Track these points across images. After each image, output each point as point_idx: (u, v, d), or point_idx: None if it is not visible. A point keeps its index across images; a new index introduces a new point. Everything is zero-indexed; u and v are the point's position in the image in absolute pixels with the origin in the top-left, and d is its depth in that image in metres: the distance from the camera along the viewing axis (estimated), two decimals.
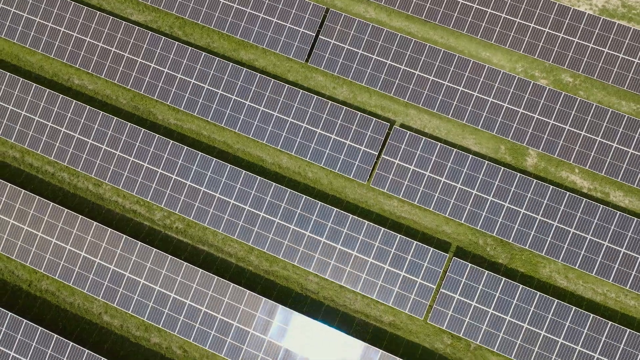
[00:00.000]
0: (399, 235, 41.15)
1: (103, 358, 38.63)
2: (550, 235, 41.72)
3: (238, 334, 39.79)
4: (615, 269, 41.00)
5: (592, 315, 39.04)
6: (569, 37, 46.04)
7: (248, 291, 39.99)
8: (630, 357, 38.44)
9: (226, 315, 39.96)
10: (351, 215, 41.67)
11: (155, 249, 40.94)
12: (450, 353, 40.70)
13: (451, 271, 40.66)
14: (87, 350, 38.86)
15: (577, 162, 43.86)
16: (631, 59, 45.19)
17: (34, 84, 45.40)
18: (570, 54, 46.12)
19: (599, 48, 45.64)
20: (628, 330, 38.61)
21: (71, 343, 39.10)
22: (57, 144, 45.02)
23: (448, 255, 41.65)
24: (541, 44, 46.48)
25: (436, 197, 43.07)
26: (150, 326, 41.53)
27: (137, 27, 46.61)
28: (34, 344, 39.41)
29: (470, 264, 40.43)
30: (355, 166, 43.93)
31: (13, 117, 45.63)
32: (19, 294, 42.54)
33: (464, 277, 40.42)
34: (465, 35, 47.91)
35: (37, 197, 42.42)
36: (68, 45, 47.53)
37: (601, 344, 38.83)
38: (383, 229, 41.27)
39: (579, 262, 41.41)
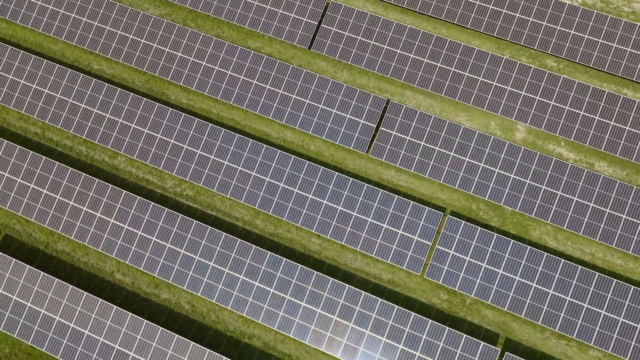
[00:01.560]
0: (397, 196, 43.75)
1: (116, 306, 40.53)
2: (539, 198, 44.28)
3: (244, 287, 41.80)
4: (601, 228, 43.36)
5: (580, 267, 41.21)
6: (551, 25, 49.90)
7: (254, 246, 42.26)
8: (617, 306, 40.35)
9: (233, 270, 42.07)
10: (351, 179, 44.38)
11: (167, 209, 43.44)
12: (447, 308, 42.56)
13: (446, 228, 43.03)
14: (100, 300, 40.81)
15: (563, 135, 46.87)
16: (610, 43, 48.87)
17: (57, 64, 48.95)
18: (554, 40, 49.86)
19: (580, 34, 49.40)
20: (615, 280, 40.69)
21: (85, 293, 41.09)
22: (77, 119, 48.14)
23: (443, 214, 44.08)
24: (526, 31, 50.31)
25: (431, 165, 45.88)
26: (160, 283, 43.54)
27: (153, 16, 50.56)
28: (49, 294, 41.37)
29: (464, 221, 42.86)
30: (355, 138, 46.91)
31: (36, 95, 48.92)
32: (36, 254, 44.72)
33: (458, 234, 42.76)
34: (456, 26, 51.81)
35: (57, 163, 45.23)
36: (89, 33, 51.37)
37: (590, 294, 40.81)
38: (382, 190, 43.89)
39: (567, 223, 43.82)
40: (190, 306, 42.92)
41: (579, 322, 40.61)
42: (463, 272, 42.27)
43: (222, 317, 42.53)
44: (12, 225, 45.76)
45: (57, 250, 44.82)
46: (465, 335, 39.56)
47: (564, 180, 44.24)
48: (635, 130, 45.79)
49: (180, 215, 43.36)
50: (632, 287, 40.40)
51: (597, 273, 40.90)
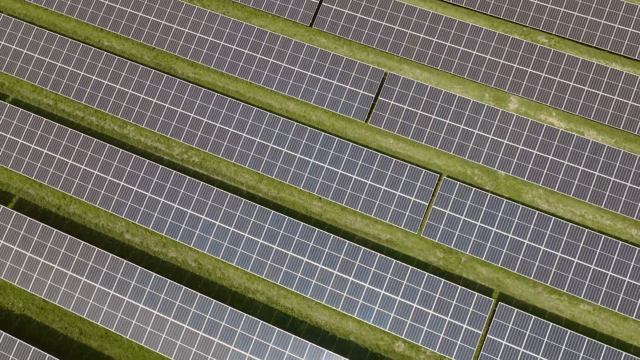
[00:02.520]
0: (395, 159, 45.72)
1: (126, 261, 42.33)
2: (531, 162, 46.24)
3: (248, 244, 43.60)
4: (591, 190, 45.28)
5: (570, 223, 43.08)
6: (542, 4, 52.18)
7: (258, 205, 44.16)
8: (606, 261, 42.12)
9: (238, 228, 43.91)
10: (351, 143, 46.39)
11: (175, 171, 45.38)
12: (443, 265, 44.34)
13: (442, 189, 44.95)
14: (110, 255, 42.62)
15: (554, 105, 48.95)
16: (598, 20, 51.12)
17: (70, 39, 51.18)
18: (545, 18, 52.12)
19: (570, 12, 51.67)
20: (603, 236, 42.54)
21: (97, 249, 42.91)
22: (88, 90, 50.25)
23: (439, 176, 46.01)
24: (518, 9, 52.59)
25: (427, 132, 47.91)
26: (167, 242, 45.35)
27: None
28: (62, 250, 43.18)
29: (459, 183, 44.80)
30: (355, 107, 48.99)
31: (49, 68, 51.08)
32: (48, 216, 46.56)
33: (454, 194, 44.67)
34: (451, 5, 54.10)
35: (70, 129, 47.26)
36: (99, 11, 53.65)
37: (579, 250, 42.62)
38: (380, 154, 45.88)
39: (557, 186, 45.75)
40: (197, 264, 44.69)
41: (570, 276, 42.38)
42: (458, 230, 44.12)
43: (227, 273, 44.29)
44: (25, 189, 47.66)
45: (69, 212, 46.68)
46: (460, 287, 41.33)
47: (554, 145, 46.23)
48: (623, 100, 47.85)
49: (188, 177, 45.31)
50: (620, 242, 42.22)
51: (587, 229, 42.77)
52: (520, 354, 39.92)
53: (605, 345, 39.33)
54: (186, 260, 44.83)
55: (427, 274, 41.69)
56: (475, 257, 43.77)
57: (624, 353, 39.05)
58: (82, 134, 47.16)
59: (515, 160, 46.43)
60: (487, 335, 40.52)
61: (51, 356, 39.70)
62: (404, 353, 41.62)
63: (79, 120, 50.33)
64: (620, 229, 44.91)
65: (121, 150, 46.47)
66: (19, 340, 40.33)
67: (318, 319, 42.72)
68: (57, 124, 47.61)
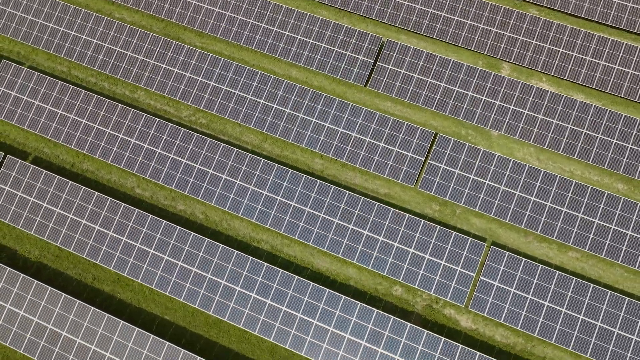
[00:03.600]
0: (392, 118, 48.12)
1: (138, 209, 44.59)
2: (522, 122, 48.63)
3: (253, 196, 45.87)
4: (579, 147, 47.64)
5: (559, 175, 45.39)
6: None
7: (263, 159, 46.51)
8: (593, 210, 44.36)
9: (244, 181, 46.21)
10: (351, 104, 48.82)
11: (183, 129, 47.79)
12: (439, 217, 46.57)
13: (437, 145, 47.29)
14: (122, 204, 44.91)
15: (543, 70, 51.42)
16: None
17: (83, 9, 53.81)
18: None
19: None
20: (590, 187, 44.82)
21: (110, 199, 45.20)
22: (100, 57, 52.78)
23: (434, 133, 48.38)
24: None
25: (423, 94, 50.36)
26: (176, 196, 47.62)
27: None
28: (77, 200, 45.47)
29: (454, 139, 47.17)
30: (354, 72, 51.47)
31: (63, 36, 53.65)
32: (62, 173, 48.88)
33: (449, 150, 47.01)
34: None
35: (84, 90, 49.73)
36: None
37: (568, 200, 44.86)
38: (379, 113, 48.30)
39: (547, 143, 48.10)
40: (204, 216, 46.94)
41: (559, 224, 44.60)
42: (453, 183, 46.40)
43: (233, 224, 46.52)
44: (41, 148, 50.03)
45: (83, 169, 49.01)
46: (454, 232, 43.57)
47: (544, 105, 48.65)
48: (609, 64, 50.31)
49: (196, 134, 47.70)
50: (607, 192, 44.49)
51: (575, 181, 45.06)
52: (511, 295, 42.06)
53: (592, 285, 41.49)
54: (194, 213, 47.08)
55: (423, 220, 43.96)
56: (469, 208, 46.02)
57: (609, 292, 41.19)
58: (96, 95, 49.62)
59: (507, 120, 48.81)
60: (480, 277, 42.69)
61: (66, 295, 41.85)
62: (402, 297, 43.75)
63: (92, 86, 52.79)
64: (607, 184, 47.17)
65: (132, 109, 48.92)
66: (36, 281, 42.50)
67: (320, 266, 44.89)
68: (72, 86, 50.08)
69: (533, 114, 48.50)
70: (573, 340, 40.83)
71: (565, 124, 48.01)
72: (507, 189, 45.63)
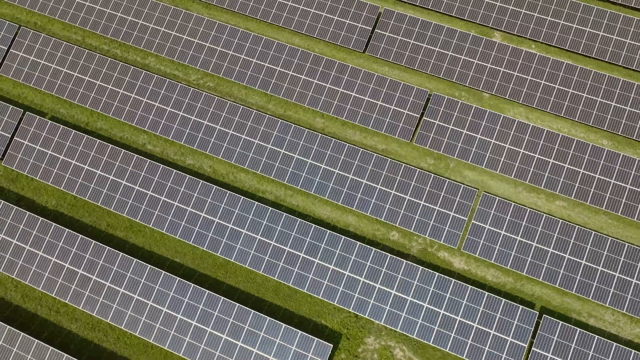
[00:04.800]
0: (390, 78, 51.03)
1: (150, 160, 47.32)
2: (512, 83, 51.52)
3: (258, 149, 48.64)
4: (565, 106, 50.48)
5: (546, 129, 48.17)
6: None
7: (267, 115, 49.33)
8: (579, 160, 47.08)
9: (249, 136, 48.99)
10: (350, 65, 51.76)
11: (192, 88, 50.68)
12: (433, 170, 49.28)
13: (432, 103, 50.15)
14: (135, 155, 47.67)
15: (533, 37, 54.41)
16: None
17: None
18: None
19: None
20: (576, 139, 47.60)
21: (123, 150, 47.96)
22: (113, 25, 55.81)
23: (428, 91, 51.20)
24: None
25: (419, 59, 53.30)
26: (185, 152, 50.36)
27: None
28: (92, 152, 48.23)
29: (447, 96, 50.04)
30: (354, 39, 54.45)
31: (78, 7, 56.72)
32: (77, 131, 51.66)
33: (442, 107, 49.86)
34: None
35: (98, 54, 52.71)
36: None
37: (554, 152, 47.62)
38: (376, 74, 51.22)
39: (536, 102, 50.96)
40: (212, 169, 49.67)
41: (546, 174, 47.32)
42: (446, 138, 49.19)
43: (239, 177, 49.24)
44: (57, 109, 52.87)
45: (97, 127, 51.84)
46: (448, 180, 46.29)
47: (532, 67, 51.57)
48: (594, 31, 53.30)
49: (205, 93, 50.59)
50: (591, 144, 47.27)
51: (561, 134, 47.86)
52: (501, 237, 44.67)
53: (577, 226, 44.13)
54: (202, 167, 49.82)
55: (418, 169, 46.70)
56: (462, 161, 48.76)
57: (594, 232, 43.84)
58: (110, 58, 52.58)
59: (497, 82, 51.69)
60: (472, 222, 45.32)
61: (83, 236, 44.48)
62: (398, 241, 46.35)
63: (105, 53, 55.76)
64: (593, 140, 49.94)
65: (144, 71, 51.84)
66: (54, 224, 45.14)
67: (321, 214, 47.54)
68: (87, 50, 53.06)
69: (522, 76, 51.36)
70: (559, 277, 43.37)
71: (553, 84, 50.85)
72: (498, 142, 48.38)
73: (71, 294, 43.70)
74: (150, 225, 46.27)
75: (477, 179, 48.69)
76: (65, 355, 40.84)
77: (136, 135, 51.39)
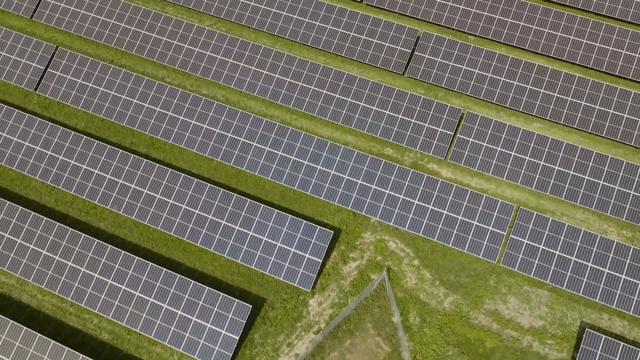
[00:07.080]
0: (385, 19, 56.92)
1: (170, 85, 52.94)
2: (507, 27, 57.40)
3: (266, 78, 54.28)
4: (555, 47, 56.28)
5: (579, 147, 53.89)
6: None
7: (275, 49, 55.11)
8: (553, 86, 52.76)
9: (258, 67, 54.70)
10: (349, 9, 57.71)
11: (207, 28, 56.54)
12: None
13: (422, 39, 55.95)
14: (157, 82, 53.30)
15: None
16: None
17: None
18: None
19: None
20: (560, 83, 53.30)
21: (146, 78, 53.61)
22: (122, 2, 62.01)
23: (419, 30, 56.97)
24: None
25: (410, 6, 59.27)
26: (201, 83, 55.98)
27: None
28: (118, 80, 53.89)
29: (435, 34, 55.88)
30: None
31: None
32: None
33: (432, 42, 55.63)
34: None
35: (122, 0, 58.72)
36: None
37: (531, 79, 53.29)
38: (361, 13, 57.14)
39: (527, 45, 56.75)
40: (224, 98, 55.25)
41: (524, 99, 52.90)
42: (435, 69, 54.89)
43: (248, 104, 54.82)
44: (85, 49, 58.65)
45: (121, 64, 57.57)
46: (436, 101, 51.85)
47: (524, 15, 57.48)
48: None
49: (218, 32, 56.47)
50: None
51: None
52: (486, 150, 50.04)
53: (565, 142, 49.56)
54: (216, 96, 55.43)
55: (409, 92, 52.30)
56: (450, 89, 54.37)
57: (579, 147, 49.27)
58: (132, 4, 58.55)
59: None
60: (457, 135, 50.75)
61: (111, 146, 49.86)
62: (392, 156, 51.71)
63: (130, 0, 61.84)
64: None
65: (164, 14, 57.81)
66: (85, 136, 50.59)
67: (323, 134, 52.97)
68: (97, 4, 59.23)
69: (516, 22, 57.28)
70: (551, 186, 48.65)
71: (543, 29, 56.74)
72: (481, 72, 54.05)
73: (88, 192, 48.92)
74: (170, 142, 51.66)
75: (463, 105, 54.20)
76: (82, 355, 45.88)
77: (156, 70, 57.11)
